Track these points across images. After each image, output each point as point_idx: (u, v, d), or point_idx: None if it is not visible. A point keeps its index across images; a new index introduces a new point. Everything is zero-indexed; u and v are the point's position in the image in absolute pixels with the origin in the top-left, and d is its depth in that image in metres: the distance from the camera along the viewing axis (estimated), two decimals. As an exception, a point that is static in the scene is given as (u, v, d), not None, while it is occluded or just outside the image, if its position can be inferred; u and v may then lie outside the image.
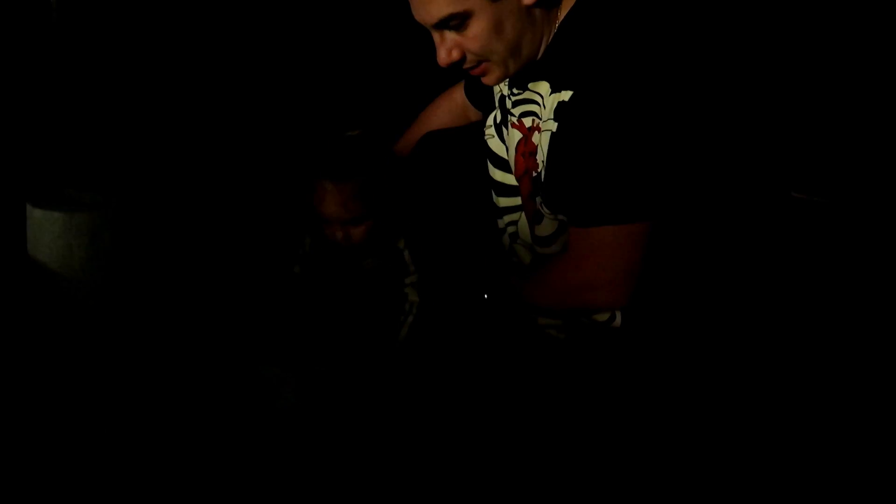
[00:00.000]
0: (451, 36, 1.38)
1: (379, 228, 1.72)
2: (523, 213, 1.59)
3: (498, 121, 1.65)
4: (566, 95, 1.39)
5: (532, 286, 1.56)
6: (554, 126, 1.41)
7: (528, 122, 1.53)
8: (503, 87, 1.61)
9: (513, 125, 1.58)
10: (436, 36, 1.40)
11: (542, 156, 1.47)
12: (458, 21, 1.35)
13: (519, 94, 1.55)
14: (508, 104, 1.58)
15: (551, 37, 1.44)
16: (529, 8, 1.38)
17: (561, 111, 1.40)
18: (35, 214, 1.48)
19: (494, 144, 1.65)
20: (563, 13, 1.43)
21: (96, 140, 1.82)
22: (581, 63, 1.38)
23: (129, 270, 1.57)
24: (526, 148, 1.53)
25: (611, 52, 1.36)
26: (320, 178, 1.65)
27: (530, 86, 1.51)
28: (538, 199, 1.50)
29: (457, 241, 1.81)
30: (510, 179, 1.61)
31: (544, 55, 1.45)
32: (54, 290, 1.51)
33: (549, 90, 1.45)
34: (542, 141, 1.47)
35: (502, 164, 1.63)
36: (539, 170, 1.48)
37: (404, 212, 1.77)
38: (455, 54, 1.40)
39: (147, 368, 1.44)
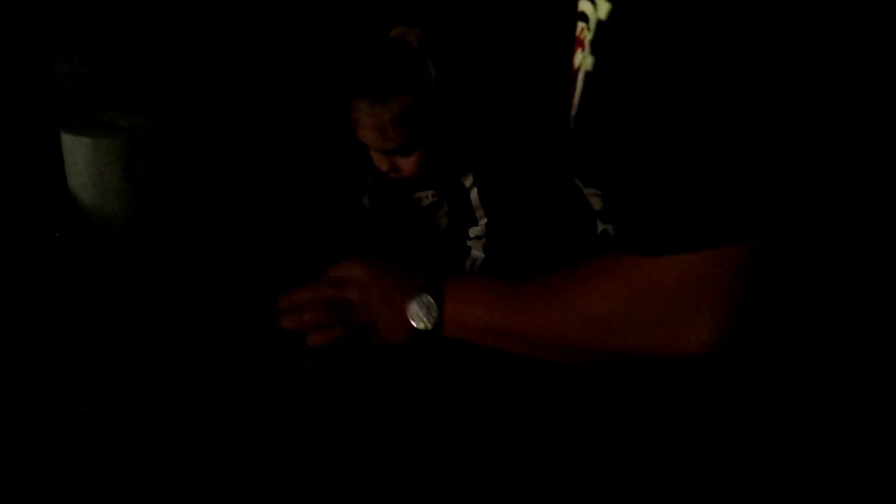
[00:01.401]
0: None
1: (436, 159, 1.38)
2: None
3: None
4: (604, 10, 0.82)
5: (552, 309, 0.94)
6: (589, 62, 0.85)
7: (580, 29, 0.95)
8: None
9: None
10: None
11: (576, 95, 0.94)
12: None
13: None
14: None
15: None
16: None
17: (599, 37, 0.84)
18: (66, 140, 1.42)
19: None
20: None
21: (146, 60, 1.74)
22: None
23: (164, 203, 1.48)
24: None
25: None
26: (353, 96, 1.33)
27: None
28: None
29: (540, 188, 1.41)
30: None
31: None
32: (87, 220, 1.45)
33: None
34: (581, 67, 0.91)
35: None
36: (571, 112, 0.94)
37: (475, 141, 1.44)
38: None
39: (168, 314, 1.35)
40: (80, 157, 1.40)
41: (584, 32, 0.94)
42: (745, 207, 0.75)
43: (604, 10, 0.82)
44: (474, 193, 1.46)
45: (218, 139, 1.63)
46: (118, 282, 1.36)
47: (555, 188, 1.38)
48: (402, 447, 1.10)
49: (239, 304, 1.34)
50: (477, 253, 1.49)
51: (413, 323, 0.97)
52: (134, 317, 1.30)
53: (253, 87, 1.76)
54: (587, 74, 0.87)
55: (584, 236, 1.29)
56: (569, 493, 1.04)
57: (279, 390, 1.16)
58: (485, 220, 1.48)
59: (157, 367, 1.20)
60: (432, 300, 0.97)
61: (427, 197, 1.50)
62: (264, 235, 1.50)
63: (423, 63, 1.33)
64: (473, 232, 1.48)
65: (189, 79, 1.74)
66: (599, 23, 0.83)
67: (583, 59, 0.90)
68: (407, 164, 1.38)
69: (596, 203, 1.07)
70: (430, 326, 0.97)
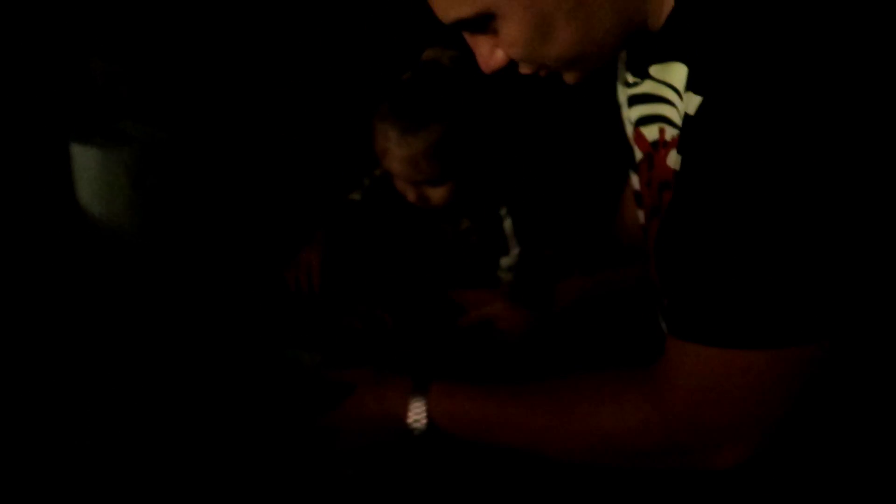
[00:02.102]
0: (484, 39, 0.85)
1: (468, 191, 1.26)
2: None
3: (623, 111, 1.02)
4: (693, 103, 0.74)
5: (570, 419, 0.86)
6: (678, 160, 0.79)
7: (651, 132, 0.91)
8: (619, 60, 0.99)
9: (633, 139, 0.97)
10: (467, 37, 0.87)
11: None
12: (478, 26, 0.82)
13: (636, 84, 0.92)
14: (622, 97, 0.98)
15: None
16: None
17: (684, 132, 0.77)
18: (74, 149, 1.35)
19: (629, 130, 1.01)
20: None
21: (167, 66, 1.68)
22: (728, 41, 0.72)
23: (174, 217, 1.41)
24: (654, 174, 0.92)
25: (789, 31, 0.69)
26: (381, 122, 1.21)
27: (653, 72, 0.87)
28: None
29: (580, 226, 1.32)
30: (640, 216, 1.02)
31: (672, 20, 0.81)
32: (97, 234, 1.38)
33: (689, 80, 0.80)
34: (675, 164, 0.84)
35: (636, 169, 1.01)
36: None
37: (511, 171, 1.32)
38: (498, 59, 0.85)
39: (175, 329, 1.28)
40: (88, 167, 1.33)
41: (672, 134, 0.86)
42: (818, 308, 0.71)
43: (693, 104, 0.74)
44: (508, 223, 1.35)
45: (233, 153, 1.55)
46: (124, 294, 1.29)
47: (594, 219, 1.32)
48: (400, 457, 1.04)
49: (249, 323, 1.26)
50: None
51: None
52: (139, 331, 1.23)
53: (271, 103, 1.69)
54: (675, 174, 0.79)
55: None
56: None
57: (289, 420, 1.09)
58: (517, 251, 1.37)
59: (161, 381, 1.14)
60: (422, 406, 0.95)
61: (453, 228, 1.39)
62: (276, 252, 1.41)
63: (460, 89, 1.21)
64: (505, 262, 1.37)
65: (209, 90, 1.67)
66: (687, 118, 0.75)
67: (676, 160, 0.82)
68: (437, 194, 1.27)
69: None
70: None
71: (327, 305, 1.30)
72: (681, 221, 0.75)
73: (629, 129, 0.97)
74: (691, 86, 0.76)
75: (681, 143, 0.78)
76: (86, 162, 1.33)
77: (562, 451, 0.88)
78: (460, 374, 1.03)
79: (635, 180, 0.99)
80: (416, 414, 0.95)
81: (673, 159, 0.84)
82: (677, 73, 0.82)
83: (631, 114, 0.94)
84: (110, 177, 1.33)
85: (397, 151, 1.21)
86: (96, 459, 1.03)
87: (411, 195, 1.27)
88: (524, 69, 0.86)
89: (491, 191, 1.32)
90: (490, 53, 0.85)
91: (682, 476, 0.87)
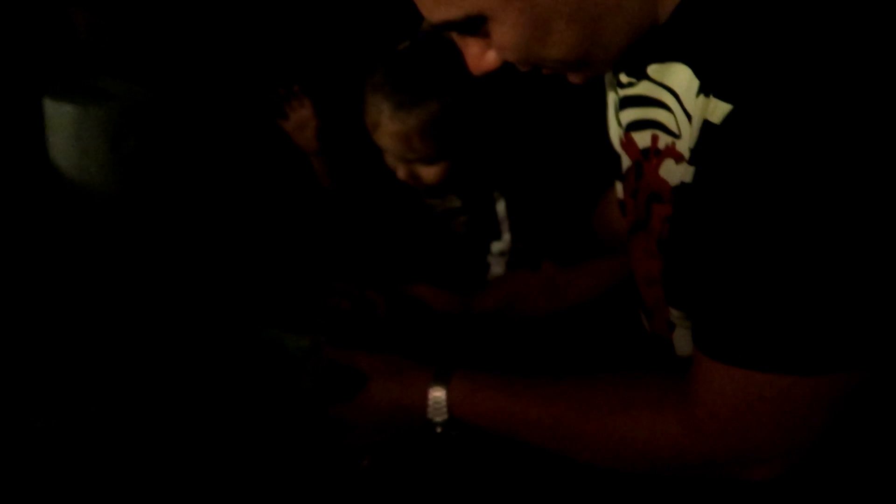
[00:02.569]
0: (474, 40, 0.79)
1: (462, 171, 1.20)
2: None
3: (610, 113, 0.96)
4: (719, 111, 0.68)
5: (598, 425, 0.84)
6: (689, 172, 0.73)
7: (643, 138, 0.84)
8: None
9: (621, 143, 0.90)
10: (455, 37, 0.81)
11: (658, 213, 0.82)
12: (468, 28, 0.75)
13: (630, 84, 0.85)
14: (613, 98, 0.91)
15: None
16: None
17: (705, 142, 0.70)
18: (48, 106, 1.25)
19: (614, 136, 0.95)
20: None
21: (152, 20, 1.57)
22: (757, 42, 0.66)
23: (155, 184, 1.31)
24: (642, 185, 0.85)
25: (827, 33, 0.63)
26: (373, 95, 1.15)
27: (651, 72, 0.80)
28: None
29: (574, 212, 1.24)
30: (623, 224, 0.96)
31: (676, 17, 0.73)
32: (70, 199, 1.29)
33: (692, 84, 0.74)
34: (670, 176, 0.79)
35: (621, 179, 0.94)
36: (664, 234, 0.81)
37: (508, 152, 1.24)
38: (490, 61, 0.79)
39: (153, 307, 1.19)
40: (62, 126, 1.24)
41: (667, 142, 0.80)
42: (855, 337, 0.68)
43: (720, 111, 0.67)
44: (501, 205, 1.28)
45: (220, 117, 1.45)
46: (98, 263, 1.21)
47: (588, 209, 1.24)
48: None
49: (233, 305, 1.18)
50: (499, 270, 1.32)
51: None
52: (115, 308, 1.15)
53: (263, 64, 1.59)
54: (683, 186, 0.74)
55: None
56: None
57: (272, 408, 1.03)
58: (509, 236, 1.31)
59: (138, 364, 1.07)
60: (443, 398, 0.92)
61: (441, 204, 1.32)
62: (261, 229, 1.33)
63: (460, 64, 1.13)
64: (497, 247, 1.31)
65: (198, 48, 1.57)
66: (707, 126, 0.69)
67: (672, 171, 0.78)
68: (429, 174, 1.20)
69: None
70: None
71: (315, 283, 1.23)
72: (710, 238, 0.70)
73: (618, 134, 0.90)
74: (712, 90, 0.69)
75: (696, 153, 0.71)
76: (60, 120, 1.23)
77: (588, 456, 0.86)
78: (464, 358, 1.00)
79: (619, 189, 0.94)
80: (437, 407, 0.91)
81: (668, 170, 0.79)
82: (678, 74, 0.76)
83: (622, 117, 0.88)
84: (86, 137, 1.24)
85: (390, 126, 1.14)
86: (74, 446, 0.97)
87: (401, 172, 1.21)
88: (522, 68, 0.80)
89: (486, 172, 1.26)
90: (481, 55, 0.79)
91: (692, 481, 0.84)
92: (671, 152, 0.79)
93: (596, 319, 1.20)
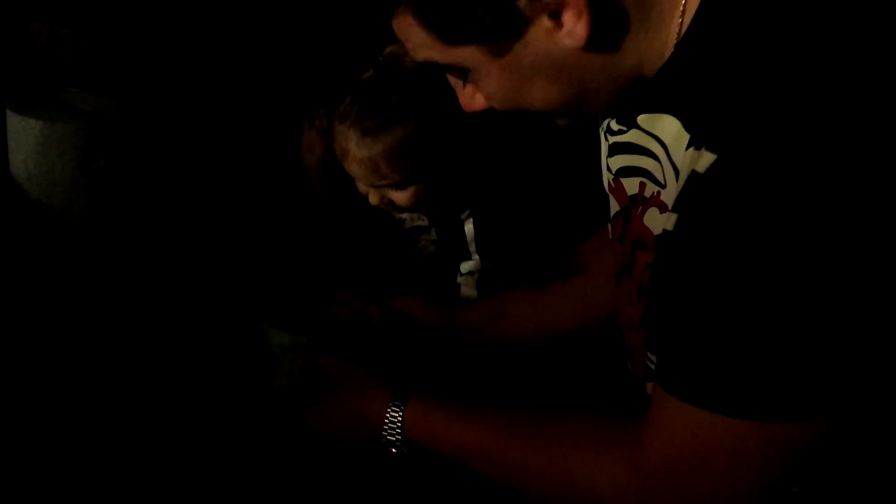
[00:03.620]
0: (462, 83, 0.80)
1: (433, 194, 1.20)
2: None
3: (603, 157, 0.95)
4: (704, 161, 0.68)
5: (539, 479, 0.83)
6: (671, 220, 0.72)
7: (632, 185, 0.85)
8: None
9: (609, 187, 0.91)
10: (447, 75, 0.81)
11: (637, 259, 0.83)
12: (454, 72, 0.78)
13: (620, 132, 0.86)
14: (604, 146, 0.91)
15: (676, 40, 0.74)
16: (586, 50, 0.71)
17: (689, 191, 0.70)
18: (12, 120, 1.19)
19: (604, 178, 0.95)
20: (687, 10, 0.72)
21: (125, 32, 1.52)
22: (739, 95, 0.67)
23: (124, 204, 1.25)
24: (628, 231, 0.86)
25: (811, 84, 0.64)
26: (342, 124, 1.15)
27: (642, 121, 0.81)
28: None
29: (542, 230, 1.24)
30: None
31: (666, 70, 0.74)
32: (33, 216, 1.22)
33: (681, 135, 0.75)
34: (653, 225, 0.81)
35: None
36: (644, 281, 0.82)
37: (476, 174, 1.23)
38: (479, 103, 0.81)
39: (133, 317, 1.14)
40: (27, 141, 1.18)
41: (653, 190, 0.81)
42: (814, 386, 0.66)
43: (705, 160, 0.67)
44: (469, 227, 1.28)
45: (194, 130, 1.40)
46: (61, 284, 1.17)
47: (559, 232, 1.24)
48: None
49: (227, 302, 1.18)
50: (469, 291, 1.30)
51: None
52: (100, 308, 1.15)
53: (236, 72, 1.55)
54: (665, 234, 0.73)
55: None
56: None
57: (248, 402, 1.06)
58: (478, 257, 1.30)
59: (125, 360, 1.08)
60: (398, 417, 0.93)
61: (412, 220, 1.33)
62: (236, 240, 1.29)
63: (422, 89, 1.13)
64: (466, 267, 1.30)
65: (167, 57, 1.51)
66: (693, 175, 0.69)
67: (657, 219, 0.79)
68: (401, 198, 1.20)
69: None
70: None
71: (311, 287, 1.23)
72: (683, 280, 0.70)
73: (607, 178, 0.91)
74: (702, 142, 0.69)
75: (680, 201, 0.71)
76: (25, 136, 1.16)
77: (531, 490, 0.85)
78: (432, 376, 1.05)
79: (609, 231, 0.94)
80: (392, 427, 0.92)
81: (652, 219, 0.81)
82: (667, 126, 0.77)
83: (611, 163, 0.88)
84: (53, 154, 1.17)
85: (357, 153, 1.16)
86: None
87: (373, 198, 1.22)
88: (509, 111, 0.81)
89: (453, 194, 1.26)
90: (471, 95, 0.81)
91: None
92: (656, 201, 0.80)
93: (580, 354, 1.19)
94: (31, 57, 1.63)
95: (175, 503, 0.97)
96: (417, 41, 0.74)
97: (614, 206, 0.90)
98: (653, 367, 0.81)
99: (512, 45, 0.71)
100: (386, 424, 0.92)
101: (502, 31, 0.70)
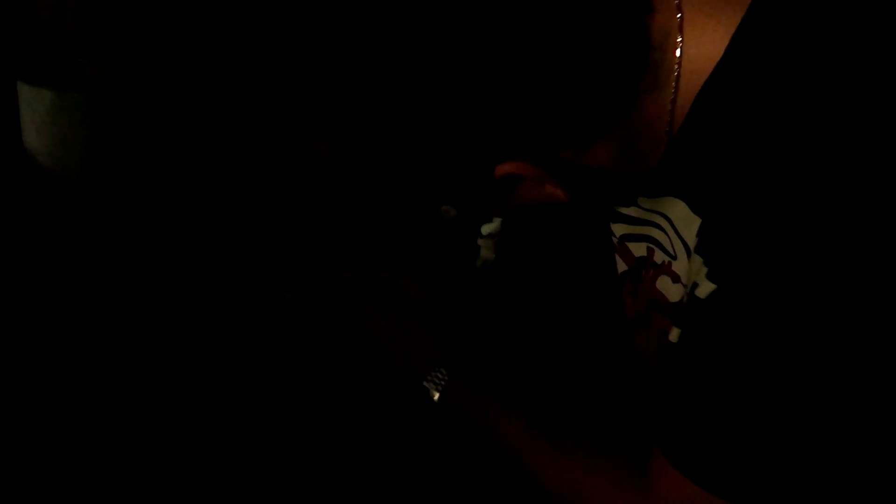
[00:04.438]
0: None
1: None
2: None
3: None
4: (704, 289, 0.73)
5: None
6: (674, 334, 0.79)
7: (638, 249, 0.88)
8: None
9: (617, 250, 0.94)
10: None
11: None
12: None
13: (624, 207, 0.89)
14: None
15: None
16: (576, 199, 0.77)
17: (690, 311, 0.75)
18: (23, 91, 1.22)
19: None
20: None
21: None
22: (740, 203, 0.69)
23: (135, 170, 1.29)
24: (641, 289, 0.89)
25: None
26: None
27: (642, 202, 0.84)
28: None
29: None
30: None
31: (666, 160, 0.75)
32: (46, 183, 1.26)
33: (690, 217, 0.77)
34: (668, 292, 0.84)
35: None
36: (663, 340, 0.86)
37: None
38: None
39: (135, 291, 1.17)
40: (38, 111, 1.21)
41: (663, 259, 0.83)
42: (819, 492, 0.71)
43: (704, 290, 0.72)
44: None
45: (205, 100, 1.42)
46: (77, 252, 1.18)
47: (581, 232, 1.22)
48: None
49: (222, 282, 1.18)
50: (487, 253, 1.30)
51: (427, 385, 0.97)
52: (96, 293, 1.14)
53: (240, 47, 1.57)
54: (671, 345, 0.78)
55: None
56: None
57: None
58: (500, 218, 1.30)
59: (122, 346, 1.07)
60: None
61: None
62: (247, 211, 1.31)
63: None
64: (487, 229, 1.30)
65: (170, 29, 1.53)
66: (693, 297, 0.73)
67: (672, 290, 0.82)
68: None
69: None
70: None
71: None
72: (693, 385, 0.73)
73: (614, 239, 0.93)
74: (706, 255, 0.71)
75: (681, 318, 0.76)
76: (36, 106, 1.20)
77: (547, 486, 0.87)
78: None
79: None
80: (435, 379, 0.95)
81: (665, 286, 0.83)
82: (670, 204, 0.79)
83: (614, 228, 0.90)
84: (64, 123, 1.21)
85: None
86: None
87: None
88: None
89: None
90: None
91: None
92: (667, 271, 0.83)
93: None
94: (34, 28, 1.65)
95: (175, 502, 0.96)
96: None
97: (621, 266, 0.92)
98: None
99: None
100: (430, 374, 0.96)
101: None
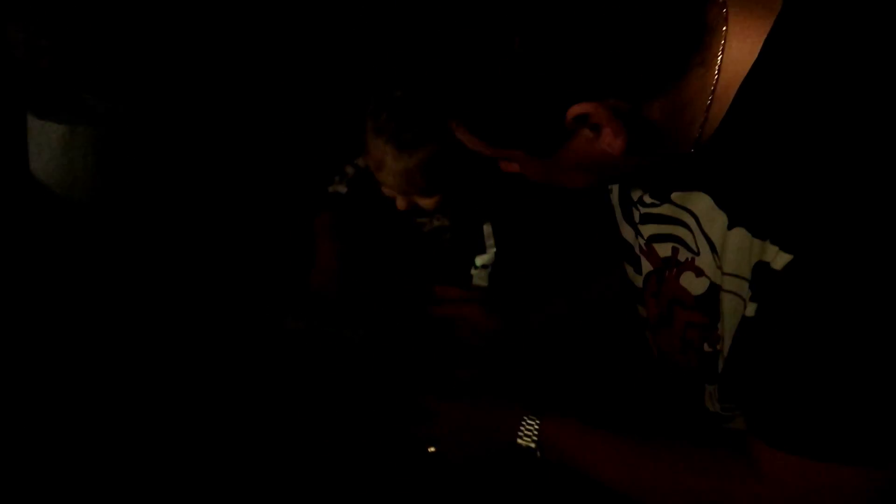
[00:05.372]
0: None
1: (459, 198, 1.28)
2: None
3: (619, 211, 1.03)
4: (780, 260, 0.75)
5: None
6: (751, 308, 0.80)
7: (664, 249, 0.92)
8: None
9: (640, 250, 0.97)
10: None
11: (718, 326, 0.88)
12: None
13: (653, 205, 0.92)
14: (636, 215, 0.96)
15: (703, 121, 0.78)
16: (623, 154, 0.77)
17: (767, 284, 0.77)
18: (33, 124, 1.24)
19: (624, 229, 1.02)
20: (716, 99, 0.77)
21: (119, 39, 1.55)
22: (784, 185, 0.74)
23: (141, 199, 1.31)
24: (664, 290, 0.93)
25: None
26: (377, 137, 1.21)
27: (676, 197, 0.88)
28: (708, 388, 0.94)
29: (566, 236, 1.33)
30: (643, 311, 1.03)
31: (701, 154, 0.80)
32: (55, 212, 1.27)
33: (714, 211, 0.83)
34: (691, 287, 0.89)
35: (634, 263, 1.01)
36: (705, 347, 0.90)
37: (502, 181, 1.28)
38: (514, 168, 0.88)
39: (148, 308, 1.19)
40: (48, 144, 1.22)
41: (687, 256, 0.89)
42: None
43: (780, 261, 0.75)
44: (488, 226, 1.36)
45: (202, 130, 1.45)
46: (84, 279, 1.20)
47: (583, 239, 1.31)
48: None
49: (222, 301, 1.22)
50: (481, 282, 1.37)
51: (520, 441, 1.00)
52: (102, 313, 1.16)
53: (236, 74, 1.60)
54: (745, 320, 0.81)
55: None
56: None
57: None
58: (494, 250, 1.38)
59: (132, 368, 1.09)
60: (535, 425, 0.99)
61: (429, 223, 1.39)
62: (249, 234, 1.34)
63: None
64: (480, 261, 1.37)
65: (158, 61, 1.56)
66: (766, 268, 0.77)
67: (696, 284, 0.88)
68: (428, 203, 1.28)
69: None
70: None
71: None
72: (779, 358, 0.78)
73: (638, 242, 0.98)
74: (768, 236, 0.75)
75: (757, 291, 0.79)
76: (46, 139, 1.22)
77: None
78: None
79: (634, 278, 1.01)
80: (528, 433, 0.98)
81: (689, 281, 0.88)
82: (698, 200, 0.84)
83: (643, 230, 0.95)
84: (76, 156, 1.23)
85: (394, 165, 1.21)
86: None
87: (401, 203, 1.28)
88: None
89: (477, 200, 1.33)
90: (508, 166, 0.88)
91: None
92: (691, 266, 0.87)
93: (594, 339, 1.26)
94: (8, 67, 1.66)
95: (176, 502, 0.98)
96: (466, 140, 0.81)
97: (646, 267, 0.96)
98: (712, 409, 0.93)
99: (555, 150, 0.78)
100: (522, 430, 0.98)
101: (547, 144, 0.78)
